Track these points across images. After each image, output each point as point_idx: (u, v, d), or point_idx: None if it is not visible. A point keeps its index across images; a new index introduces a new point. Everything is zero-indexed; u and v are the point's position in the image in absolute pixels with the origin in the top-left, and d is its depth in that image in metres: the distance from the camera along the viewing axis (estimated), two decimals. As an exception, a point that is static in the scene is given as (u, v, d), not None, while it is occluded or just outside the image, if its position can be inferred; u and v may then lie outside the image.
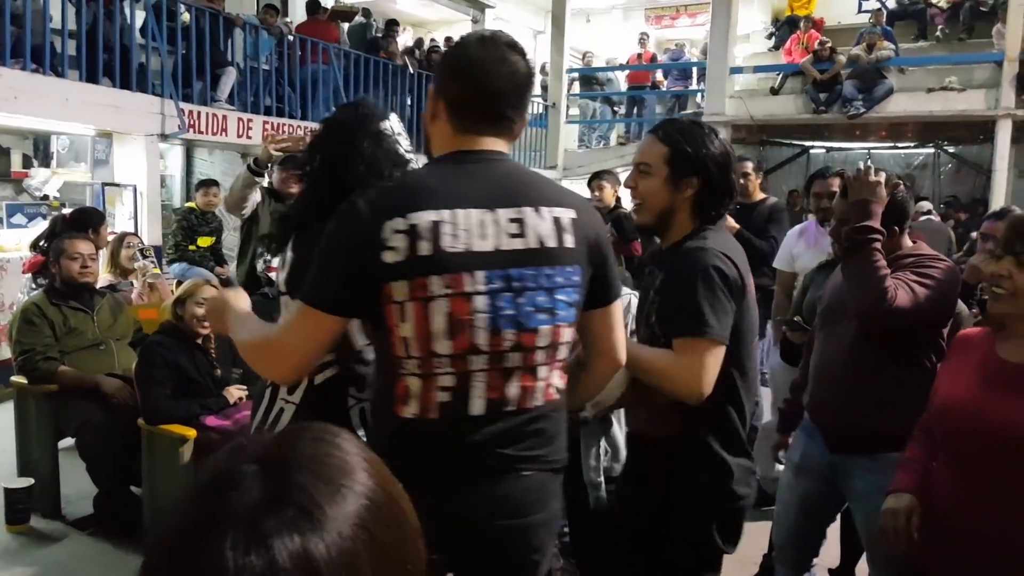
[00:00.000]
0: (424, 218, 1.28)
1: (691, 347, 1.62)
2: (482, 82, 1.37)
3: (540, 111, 12.28)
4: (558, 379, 1.41)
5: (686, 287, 1.64)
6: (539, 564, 1.44)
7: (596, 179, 4.28)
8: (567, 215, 1.37)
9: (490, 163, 1.38)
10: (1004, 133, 9.24)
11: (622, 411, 2.42)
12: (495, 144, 1.39)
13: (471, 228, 1.29)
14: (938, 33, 10.77)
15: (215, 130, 7.14)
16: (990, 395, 1.55)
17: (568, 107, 12.90)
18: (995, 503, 1.51)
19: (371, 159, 1.65)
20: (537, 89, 13.27)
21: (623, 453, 2.37)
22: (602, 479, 2.33)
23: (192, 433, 3.08)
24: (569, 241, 1.36)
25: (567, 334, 1.39)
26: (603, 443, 2.35)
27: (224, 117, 7.22)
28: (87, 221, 4.42)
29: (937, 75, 9.83)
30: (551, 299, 1.35)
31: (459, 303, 1.28)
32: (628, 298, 2.34)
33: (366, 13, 11.51)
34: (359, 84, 8.87)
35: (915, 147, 11.08)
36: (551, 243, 1.34)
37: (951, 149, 11.05)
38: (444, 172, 1.38)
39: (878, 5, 11.11)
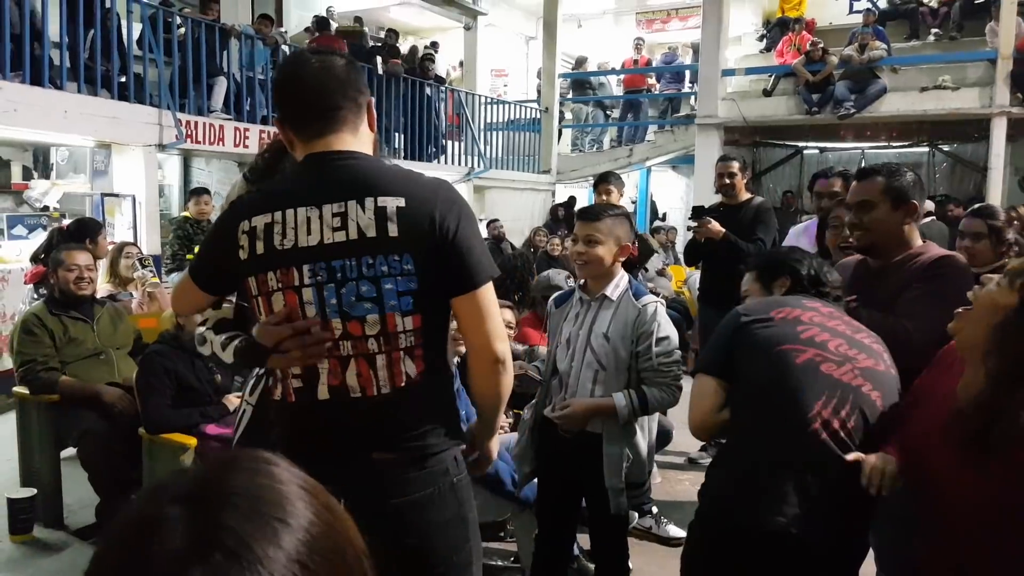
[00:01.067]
0: (261, 220, 1.43)
1: None
2: (298, 90, 1.49)
3: (534, 116, 12.35)
4: (411, 365, 1.43)
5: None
6: (420, 550, 1.44)
7: (603, 183, 4.33)
8: (394, 204, 1.40)
9: (329, 162, 1.46)
10: (999, 131, 9.28)
11: (647, 418, 2.43)
12: (339, 142, 1.47)
13: (298, 226, 1.41)
14: (931, 35, 10.82)
15: (212, 140, 7.18)
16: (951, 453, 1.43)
17: (564, 112, 12.96)
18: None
19: None
20: (532, 94, 13.36)
21: (644, 459, 2.40)
22: (623, 485, 2.34)
23: (193, 441, 3.10)
24: (392, 230, 1.39)
25: (405, 322, 1.42)
26: (626, 450, 2.35)
27: (220, 127, 7.26)
28: (85, 231, 4.45)
29: (930, 74, 9.88)
30: (375, 288, 1.40)
31: (291, 296, 1.42)
32: (655, 306, 2.37)
33: (359, 21, 11.56)
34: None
35: (909, 146, 11.12)
36: (371, 233, 1.39)
37: (946, 148, 11.10)
38: (289, 177, 1.56)
39: (869, 5, 11.17)
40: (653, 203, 14.18)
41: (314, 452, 1.39)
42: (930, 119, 9.87)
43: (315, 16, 10.76)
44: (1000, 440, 1.32)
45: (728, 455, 1.85)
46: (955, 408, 1.43)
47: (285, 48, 8.42)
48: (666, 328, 2.37)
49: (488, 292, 1.47)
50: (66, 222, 5.33)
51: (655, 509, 3.57)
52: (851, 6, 12.22)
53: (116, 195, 6.66)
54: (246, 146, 7.46)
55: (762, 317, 1.80)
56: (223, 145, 7.30)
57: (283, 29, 10.43)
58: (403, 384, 1.43)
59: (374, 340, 1.41)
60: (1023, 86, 9.10)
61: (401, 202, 1.40)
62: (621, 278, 2.44)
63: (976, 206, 3.28)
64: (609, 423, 2.35)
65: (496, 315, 1.48)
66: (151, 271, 4.69)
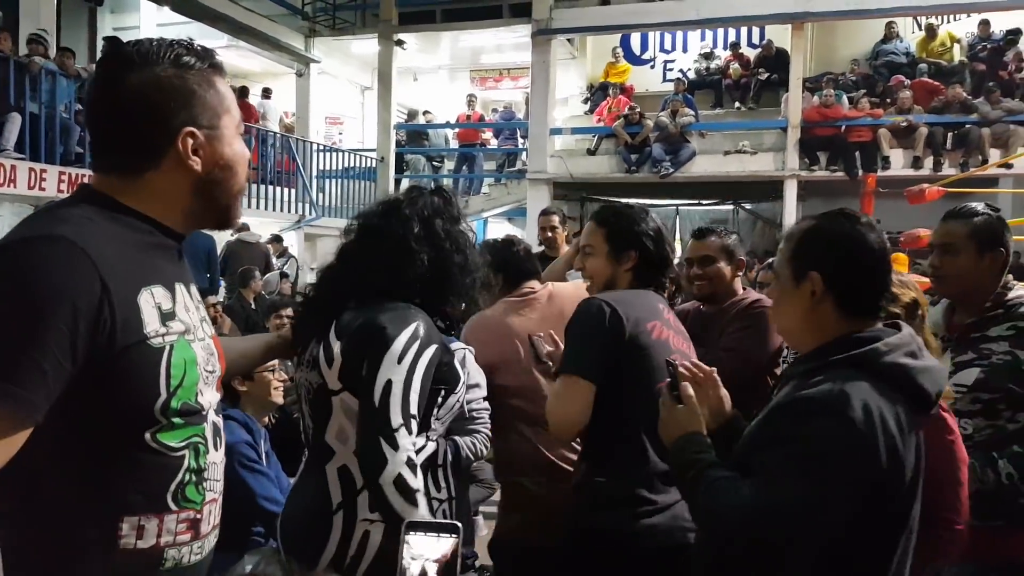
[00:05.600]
0: None
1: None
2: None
3: (370, 164, 12.28)
4: None
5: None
6: None
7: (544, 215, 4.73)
8: None
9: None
10: (791, 191, 10.41)
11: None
12: (95, 180, 1.18)
13: None
14: (734, 105, 12.00)
15: (2, 181, 6.50)
16: None
17: (407, 163, 13.02)
18: None
19: None
20: (368, 143, 13.29)
21: None
22: None
23: None
24: None
25: None
26: None
27: (13, 167, 6.60)
28: None
29: (733, 139, 10.93)
30: None
31: None
32: (463, 352, 2.33)
33: (183, 62, 11.03)
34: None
35: (717, 204, 12.19)
36: None
37: (748, 206, 12.26)
38: None
39: (680, 76, 12.23)
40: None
41: None
42: (733, 180, 10.90)
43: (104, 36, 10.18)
44: None
45: (619, 463, 1.79)
46: None
47: (95, 85, 7.83)
48: (475, 376, 2.37)
49: None
50: None
51: (479, 563, 3.37)
52: (665, 75, 13.30)
53: None
54: (43, 188, 6.83)
55: (642, 329, 1.80)
56: (15, 187, 6.63)
57: (95, 66, 9.71)
58: None
59: None
60: (810, 152, 10.28)
61: None
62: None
63: (769, 260, 3.69)
64: None
65: None
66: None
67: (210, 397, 1.20)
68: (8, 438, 0.97)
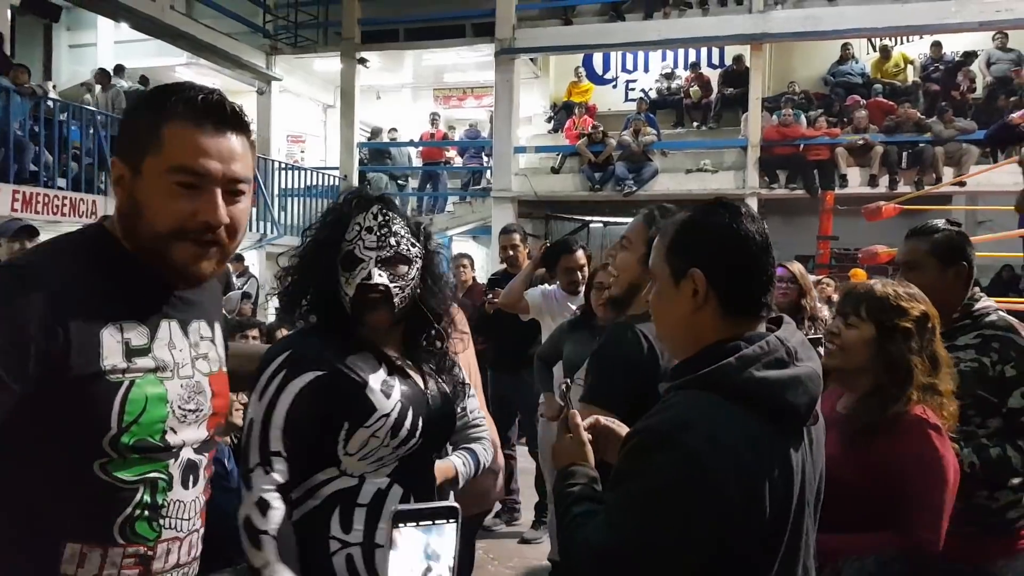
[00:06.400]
0: None
1: None
2: None
3: (333, 183, 12.18)
4: None
5: None
6: None
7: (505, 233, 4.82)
8: None
9: None
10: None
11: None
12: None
13: None
14: (696, 124, 12.18)
15: (-51, 200, 6.29)
16: None
17: (369, 181, 12.94)
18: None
19: None
20: (331, 161, 13.19)
21: None
22: None
23: None
24: None
25: None
26: None
27: (-36, 186, 6.38)
28: None
29: (694, 158, 11.09)
30: None
31: None
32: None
33: (143, 81, 10.90)
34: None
35: (680, 221, 12.29)
36: None
37: (709, 223, 12.40)
38: None
39: (642, 95, 12.39)
40: (453, 272, 14.39)
41: None
42: (694, 198, 11.00)
43: (99, 68, 10.04)
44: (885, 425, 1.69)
45: None
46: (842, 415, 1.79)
47: (49, 103, 7.65)
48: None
49: None
50: None
51: None
52: (627, 95, 13.47)
53: None
54: (-5, 207, 6.61)
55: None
56: (-34, 206, 6.41)
57: (51, 83, 9.52)
58: None
59: None
60: (770, 170, 10.47)
61: None
62: None
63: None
64: None
65: None
66: None
67: (187, 435, 1.18)
68: None
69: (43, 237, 4.23)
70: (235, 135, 1.16)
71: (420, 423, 1.52)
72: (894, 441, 1.69)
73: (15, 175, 7.05)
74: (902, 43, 11.86)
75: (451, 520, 1.20)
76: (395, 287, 1.52)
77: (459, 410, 1.73)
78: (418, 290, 1.58)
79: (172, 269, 1.17)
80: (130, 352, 1.12)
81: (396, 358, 1.57)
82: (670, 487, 1.10)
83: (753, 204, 10.50)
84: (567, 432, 1.36)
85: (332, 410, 1.46)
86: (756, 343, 1.17)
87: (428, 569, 1.25)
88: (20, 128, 7.22)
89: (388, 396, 1.50)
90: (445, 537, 1.25)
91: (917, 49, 11.76)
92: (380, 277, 1.50)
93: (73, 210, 7.60)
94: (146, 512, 1.13)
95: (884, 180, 9.88)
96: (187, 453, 1.19)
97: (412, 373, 1.59)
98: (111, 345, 1.10)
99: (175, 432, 1.16)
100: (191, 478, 1.20)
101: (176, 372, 1.17)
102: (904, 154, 9.96)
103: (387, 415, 1.47)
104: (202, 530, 1.25)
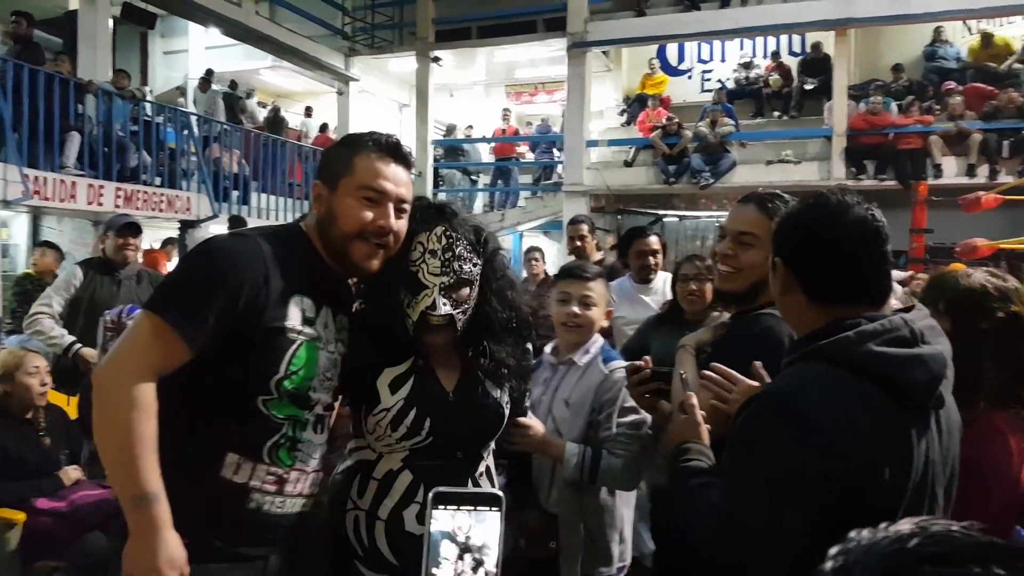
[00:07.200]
0: None
1: None
2: None
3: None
4: None
5: None
6: None
7: (574, 224, 4.75)
8: None
9: None
10: (837, 201, 10.18)
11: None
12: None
13: None
14: (777, 114, 11.84)
15: (63, 197, 6.71)
16: None
17: (442, 177, 13.14)
18: None
19: None
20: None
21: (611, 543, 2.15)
22: None
23: (21, 517, 2.86)
24: None
25: None
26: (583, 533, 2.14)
27: (73, 183, 6.80)
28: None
29: (775, 149, 10.77)
30: None
31: None
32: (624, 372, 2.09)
33: (233, 85, 11.37)
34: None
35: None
36: None
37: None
38: None
39: (719, 85, 12.14)
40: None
41: None
42: (776, 190, 10.71)
43: (204, 71, 10.57)
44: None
45: None
46: None
47: (147, 104, 8.07)
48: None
49: (138, 317, 1.39)
50: None
51: None
52: (703, 85, 13.22)
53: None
54: (100, 204, 7.02)
55: None
56: (75, 202, 6.84)
57: (147, 87, 10.04)
58: None
59: None
60: (856, 160, 10.10)
61: None
62: (594, 342, 2.20)
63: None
64: (568, 502, 2.08)
65: (126, 342, 1.36)
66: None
67: (322, 396, 1.50)
68: (171, 356, 1.33)
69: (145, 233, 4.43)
70: (403, 168, 1.52)
71: (427, 423, 1.55)
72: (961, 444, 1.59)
73: (117, 173, 7.47)
74: (1001, 25, 11.25)
75: (494, 508, 1.18)
76: (458, 313, 1.56)
77: (505, 415, 1.68)
78: (477, 300, 1.61)
79: (350, 263, 1.50)
80: (305, 320, 1.45)
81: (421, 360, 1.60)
82: (780, 451, 1.13)
83: (837, 195, 10.16)
84: (683, 413, 1.43)
85: (351, 393, 1.62)
86: (878, 321, 1.18)
87: (464, 553, 1.20)
88: (121, 129, 7.64)
89: (394, 392, 1.56)
90: (487, 525, 1.21)
91: (1017, 30, 11.14)
92: (444, 307, 1.54)
93: (169, 206, 8.01)
94: (287, 443, 1.45)
95: (983, 169, 9.39)
96: (319, 409, 1.51)
97: (441, 374, 1.61)
98: (294, 311, 1.43)
99: (315, 391, 1.47)
100: (319, 427, 1.52)
101: (324, 346, 1.49)
102: (1005, 142, 9.42)
103: (387, 409, 1.55)
104: (319, 476, 1.55)
